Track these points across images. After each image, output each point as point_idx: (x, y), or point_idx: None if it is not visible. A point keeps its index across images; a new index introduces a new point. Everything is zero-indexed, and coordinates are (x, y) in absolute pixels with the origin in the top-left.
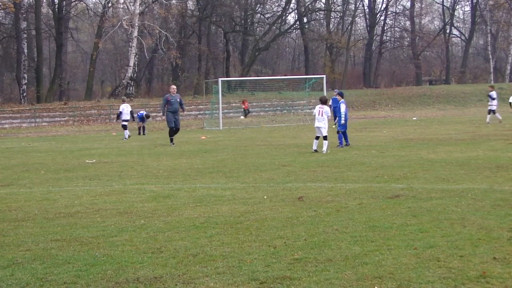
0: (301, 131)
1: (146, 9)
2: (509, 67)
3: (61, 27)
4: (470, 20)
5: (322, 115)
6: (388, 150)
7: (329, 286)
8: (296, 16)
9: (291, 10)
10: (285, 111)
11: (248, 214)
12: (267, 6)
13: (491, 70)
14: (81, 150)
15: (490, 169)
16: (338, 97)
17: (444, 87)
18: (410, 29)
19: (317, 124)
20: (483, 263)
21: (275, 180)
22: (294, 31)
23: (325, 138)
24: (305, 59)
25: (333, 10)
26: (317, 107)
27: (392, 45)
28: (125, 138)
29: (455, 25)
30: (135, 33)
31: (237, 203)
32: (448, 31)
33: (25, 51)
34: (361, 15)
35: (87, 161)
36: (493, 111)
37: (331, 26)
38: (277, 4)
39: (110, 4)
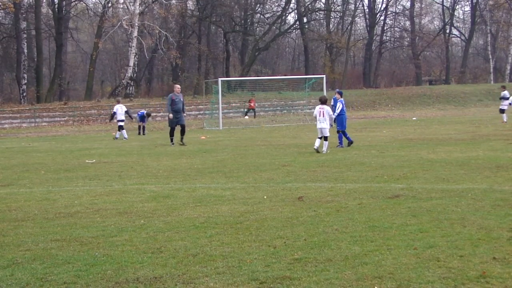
0: (301, 131)
1: (146, 9)
2: (509, 67)
3: (61, 27)
4: (470, 20)
5: (323, 116)
6: (388, 150)
7: (329, 286)
8: (296, 16)
9: (291, 10)
10: (285, 111)
11: (248, 214)
12: (267, 6)
13: (491, 70)
14: (81, 150)
15: (490, 169)
16: (337, 96)
17: (444, 87)
18: (410, 29)
19: (319, 125)
20: (483, 263)
21: (275, 180)
22: (294, 31)
23: (325, 138)
24: (305, 59)
25: (333, 10)
26: (317, 107)
27: (392, 45)
28: (125, 137)
29: (455, 25)
30: (135, 33)
31: (237, 203)
32: (448, 31)
33: (25, 51)
34: (361, 15)
35: (87, 161)
36: (503, 111)
37: (331, 26)
38: (277, 4)
39: (110, 4)
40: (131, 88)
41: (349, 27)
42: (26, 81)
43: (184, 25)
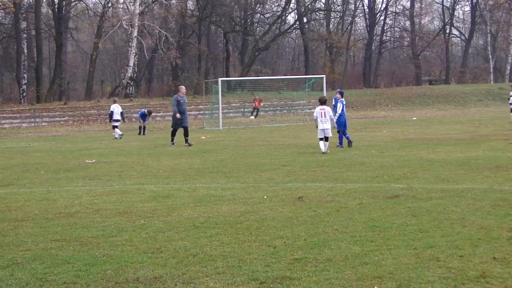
0: (301, 131)
1: (146, 9)
2: (509, 67)
3: (61, 27)
4: (470, 20)
5: (325, 116)
6: (388, 150)
7: (329, 286)
8: (296, 16)
9: (291, 10)
10: (285, 111)
11: (248, 214)
12: (267, 6)
13: (491, 70)
14: (81, 150)
15: (490, 169)
16: (338, 96)
17: (444, 87)
18: (410, 29)
19: (322, 126)
20: (483, 263)
21: (275, 180)
22: (294, 31)
23: (326, 139)
24: (305, 59)
25: (333, 10)
26: (318, 109)
27: (392, 45)
28: (116, 137)
29: (455, 25)
30: (135, 33)
31: (237, 203)
32: (448, 31)
33: (25, 51)
34: (361, 15)
35: (86, 161)
36: None
37: (331, 26)
38: (277, 4)
39: (110, 4)
40: (131, 88)
41: (349, 27)
42: (26, 81)
43: (184, 25)
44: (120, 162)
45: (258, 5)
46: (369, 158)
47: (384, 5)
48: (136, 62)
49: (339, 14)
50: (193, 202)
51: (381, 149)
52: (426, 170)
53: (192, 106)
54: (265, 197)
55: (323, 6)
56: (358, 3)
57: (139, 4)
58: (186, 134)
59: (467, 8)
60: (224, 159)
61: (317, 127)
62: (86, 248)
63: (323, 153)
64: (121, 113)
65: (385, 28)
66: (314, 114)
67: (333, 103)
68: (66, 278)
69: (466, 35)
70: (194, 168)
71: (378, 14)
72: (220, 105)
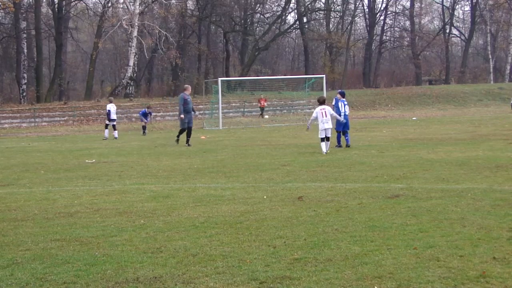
0: (301, 131)
1: (146, 9)
2: (509, 67)
3: (61, 27)
4: (469, 20)
5: (326, 116)
6: (388, 150)
7: (329, 286)
8: (296, 16)
9: (290, 10)
10: (285, 111)
11: (248, 214)
12: (266, 6)
13: (491, 70)
14: (81, 150)
15: (489, 169)
16: (338, 96)
17: (444, 87)
18: (409, 29)
19: (324, 126)
20: (483, 263)
21: (275, 180)
22: (294, 31)
23: (327, 139)
24: (305, 59)
25: (333, 10)
26: (318, 109)
27: (391, 45)
28: (105, 137)
29: (454, 25)
30: (135, 33)
31: (237, 203)
32: (447, 31)
33: (25, 51)
34: (360, 15)
35: (86, 161)
36: None
37: (331, 26)
38: (276, 4)
39: (109, 4)
40: (131, 88)
41: (349, 27)
42: (26, 81)
43: (184, 25)
44: (120, 162)
45: (258, 5)
46: (369, 158)
47: (384, 5)
48: (136, 62)
49: (339, 14)
50: (193, 202)
51: (381, 149)
52: (426, 170)
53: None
54: (265, 197)
55: (323, 6)
56: (358, 3)
57: (139, 4)
58: (189, 134)
59: (467, 8)
60: (224, 159)
61: (308, 128)
62: (86, 248)
63: (325, 153)
64: (115, 113)
65: (385, 28)
66: (314, 115)
67: (334, 103)
68: (66, 278)
69: (466, 35)
70: (194, 168)
71: (378, 14)
72: (220, 105)
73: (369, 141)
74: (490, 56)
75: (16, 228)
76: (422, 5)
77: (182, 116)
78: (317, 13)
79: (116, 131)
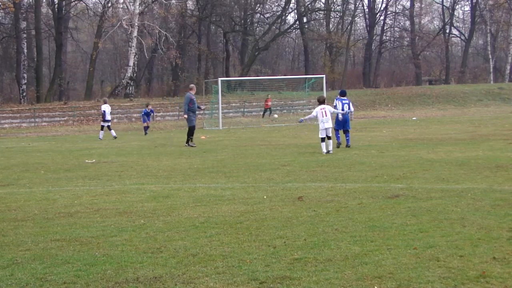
0: (301, 131)
1: (146, 9)
2: (509, 67)
3: (61, 27)
4: (469, 20)
5: (327, 115)
6: (388, 150)
7: (329, 286)
8: (296, 16)
9: (290, 10)
10: (285, 111)
11: (248, 214)
12: (266, 6)
13: (491, 70)
14: (81, 150)
15: (489, 169)
16: (339, 96)
17: (443, 87)
18: (409, 29)
19: (325, 126)
20: (483, 263)
21: (275, 180)
22: (294, 31)
23: (329, 138)
24: (305, 59)
25: (333, 10)
26: (318, 108)
27: (391, 45)
28: (100, 138)
29: (454, 25)
30: (135, 33)
31: (237, 203)
32: (447, 31)
33: (25, 51)
34: (360, 15)
35: (86, 161)
36: None
37: (330, 26)
38: (276, 4)
39: (109, 4)
40: (131, 88)
41: (349, 27)
42: (26, 81)
43: (184, 25)
44: (120, 162)
45: (258, 5)
46: (369, 158)
47: (384, 5)
48: (136, 62)
49: (339, 14)
50: (193, 202)
51: (381, 149)
52: (426, 170)
53: None
54: (265, 197)
55: (323, 6)
56: (358, 3)
57: (139, 4)
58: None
59: (467, 8)
60: (224, 159)
61: (300, 121)
62: (86, 248)
63: (326, 153)
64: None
65: (385, 28)
66: (314, 114)
67: (334, 104)
68: (66, 278)
69: (466, 35)
70: (194, 168)
71: (378, 14)
72: (220, 105)
73: (369, 141)
74: (490, 56)
75: (16, 228)
76: (422, 5)
77: (186, 116)
78: (317, 13)
79: (113, 130)
